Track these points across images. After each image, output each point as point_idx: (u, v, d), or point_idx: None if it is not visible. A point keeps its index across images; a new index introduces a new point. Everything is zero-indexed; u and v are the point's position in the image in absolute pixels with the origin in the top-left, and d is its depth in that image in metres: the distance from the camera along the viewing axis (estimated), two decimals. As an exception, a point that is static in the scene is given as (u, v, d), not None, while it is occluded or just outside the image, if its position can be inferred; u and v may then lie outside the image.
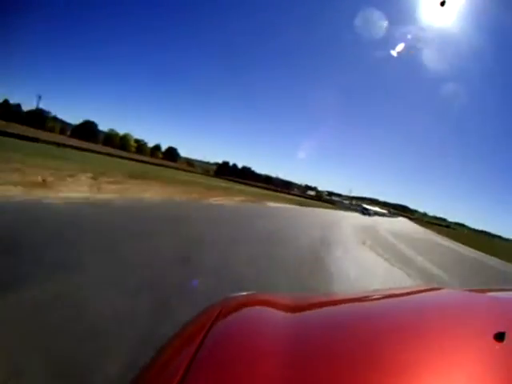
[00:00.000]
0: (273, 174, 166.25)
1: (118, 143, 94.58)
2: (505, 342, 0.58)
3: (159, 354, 0.65)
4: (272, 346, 0.58)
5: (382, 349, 0.59)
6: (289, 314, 0.76)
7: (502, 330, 0.60)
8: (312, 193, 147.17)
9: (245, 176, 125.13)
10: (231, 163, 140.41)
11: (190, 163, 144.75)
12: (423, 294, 1.10)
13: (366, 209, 76.50)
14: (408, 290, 1.17)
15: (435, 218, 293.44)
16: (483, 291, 1.16)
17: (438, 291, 1.10)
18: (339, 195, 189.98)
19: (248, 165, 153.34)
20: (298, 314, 0.79)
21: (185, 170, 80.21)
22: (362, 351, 0.59)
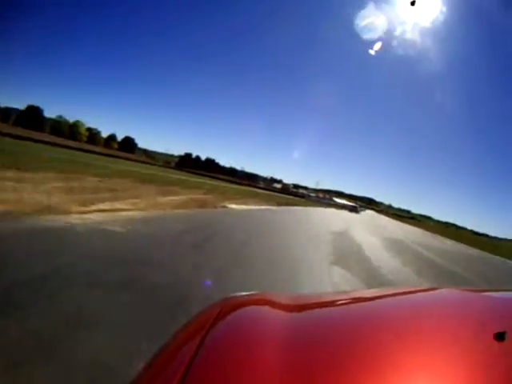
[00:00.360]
0: (237, 167, 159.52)
1: (67, 132, 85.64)
2: (505, 341, 0.58)
3: (159, 354, 0.64)
4: (272, 345, 0.57)
5: (383, 348, 0.59)
6: (289, 314, 0.76)
7: (503, 330, 0.60)
8: (278, 185, 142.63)
9: (208, 168, 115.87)
10: (195, 155, 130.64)
11: (150, 155, 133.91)
12: (424, 293, 1.11)
13: (354, 206, 69.79)
14: (409, 290, 1.16)
15: (400, 210, 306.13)
16: (484, 291, 1.16)
17: (439, 291, 1.10)
18: (305, 188, 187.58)
19: (212, 157, 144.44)
20: (298, 314, 0.79)
21: (143, 162, 69.80)
22: (362, 351, 0.58)
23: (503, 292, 1.21)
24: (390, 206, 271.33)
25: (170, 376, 0.51)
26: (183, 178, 36.19)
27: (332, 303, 0.95)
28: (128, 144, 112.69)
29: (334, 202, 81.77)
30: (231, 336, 0.64)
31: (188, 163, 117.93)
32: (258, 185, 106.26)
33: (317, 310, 0.89)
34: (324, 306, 0.93)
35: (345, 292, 1.65)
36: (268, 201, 25.31)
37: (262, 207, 18.22)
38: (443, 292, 1.07)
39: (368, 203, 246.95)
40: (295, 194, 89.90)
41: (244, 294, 0.92)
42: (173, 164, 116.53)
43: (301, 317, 0.78)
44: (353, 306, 0.94)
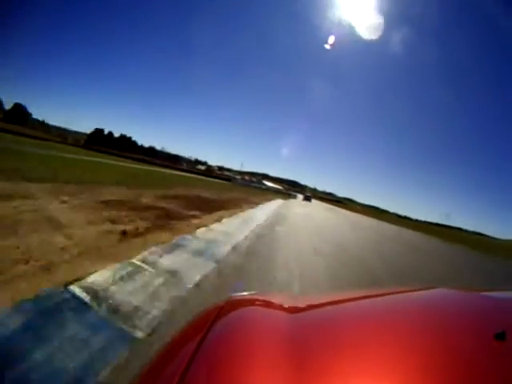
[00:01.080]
0: (158, 147, 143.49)
1: None
2: (505, 341, 0.58)
3: (159, 354, 0.64)
4: (272, 346, 0.57)
5: (383, 348, 0.59)
6: (289, 314, 0.75)
7: (502, 330, 0.60)
8: (202, 167, 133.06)
9: (123, 147, 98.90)
10: (107, 131, 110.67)
11: (47, 128, 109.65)
12: (423, 293, 1.09)
13: (308, 196, 68.16)
14: (409, 290, 1.15)
15: (324, 193, 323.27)
16: (484, 291, 1.16)
17: (439, 291, 1.09)
18: (230, 170, 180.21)
19: (128, 134, 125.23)
20: (297, 314, 0.77)
21: (34, 137, 51.13)
22: (362, 350, 0.58)
23: (503, 292, 1.17)
24: (315, 190, 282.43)
25: (169, 376, 0.51)
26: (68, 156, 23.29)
27: (332, 303, 0.93)
28: (17, 113, 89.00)
29: (266, 185, 74.36)
30: (231, 336, 0.63)
31: (99, 140, 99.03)
32: (181, 166, 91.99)
33: (316, 310, 0.87)
34: (324, 307, 0.91)
35: (345, 292, 1.48)
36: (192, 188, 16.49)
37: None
38: (443, 292, 1.07)
39: (293, 186, 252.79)
40: (220, 177, 77.18)
41: (244, 294, 0.93)
42: (82, 142, 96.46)
43: (300, 317, 0.76)
44: (353, 306, 0.92)
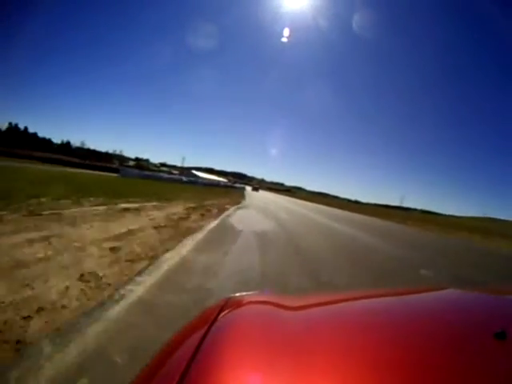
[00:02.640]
0: (77, 142, 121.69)
1: None
2: (505, 341, 0.59)
3: (159, 354, 0.64)
4: (272, 346, 0.57)
5: (384, 348, 0.59)
6: (289, 314, 0.75)
7: (503, 330, 0.60)
8: (131, 164, 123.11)
9: (25, 143, 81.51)
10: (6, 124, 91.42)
11: None
12: (424, 293, 1.09)
13: (256, 187, 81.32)
14: (412, 290, 1.16)
15: (273, 183, 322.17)
16: (483, 291, 1.16)
17: (441, 291, 1.09)
18: (173, 166, 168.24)
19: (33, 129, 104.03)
20: (298, 314, 0.77)
21: None
22: (364, 350, 0.58)
23: (503, 292, 1.19)
24: (262, 180, 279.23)
25: (169, 376, 0.51)
26: None
27: (333, 303, 0.92)
28: None
29: (200, 179, 63.62)
30: (231, 336, 0.62)
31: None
32: (113, 165, 74.25)
33: (318, 311, 0.86)
34: (325, 306, 0.90)
35: (346, 292, 1.53)
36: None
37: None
38: (443, 292, 1.07)
39: (239, 178, 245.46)
40: (107, 168, 53.17)
41: (244, 294, 0.92)
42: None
43: (301, 317, 0.76)
44: (357, 305, 0.92)
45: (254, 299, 0.91)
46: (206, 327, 0.65)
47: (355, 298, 1.01)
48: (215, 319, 0.69)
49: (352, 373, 0.50)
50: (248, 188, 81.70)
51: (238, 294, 0.90)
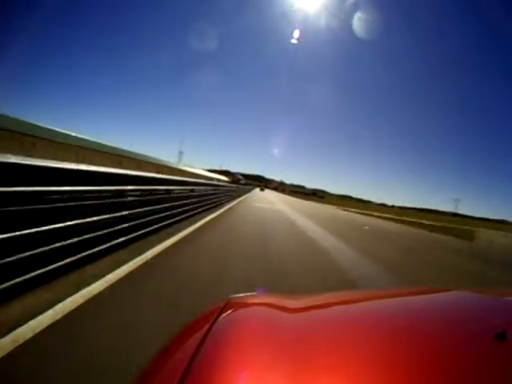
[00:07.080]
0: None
1: None
2: (505, 342, 0.59)
3: (159, 355, 0.64)
4: (272, 346, 0.57)
5: (385, 348, 0.59)
6: (290, 315, 0.75)
7: (503, 330, 0.60)
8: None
9: None
10: None
11: None
12: (424, 294, 1.09)
13: (262, 188, 78.31)
14: (415, 290, 1.15)
15: (293, 185, 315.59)
16: (483, 291, 1.15)
17: (445, 293, 1.08)
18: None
19: None
20: (299, 315, 0.77)
21: None
22: (366, 351, 0.58)
23: (503, 292, 1.18)
24: (282, 183, 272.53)
25: (169, 376, 0.51)
26: None
27: (335, 304, 0.92)
28: None
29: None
30: (231, 337, 0.62)
31: None
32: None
33: (319, 311, 0.86)
34: (326, 307, 0.89)
35: (348, 293, 1.46)
36: None
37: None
38: (447, 293, 1.06)
39: (258, 180, 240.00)
40: None
41: (244, 294, 0.92)
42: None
43: (302, 318, 0.76)
44: (358, 306, 0.91)
45: (254, 300, 0.90)
46: (206, 328, 0.64)
47: (358, 299, 1.00)
48: (215, 320, 0.68)
49: (354, 374, 0.50)
50: (257, 190, 73.68)
51: (238, 295, 0.89)
